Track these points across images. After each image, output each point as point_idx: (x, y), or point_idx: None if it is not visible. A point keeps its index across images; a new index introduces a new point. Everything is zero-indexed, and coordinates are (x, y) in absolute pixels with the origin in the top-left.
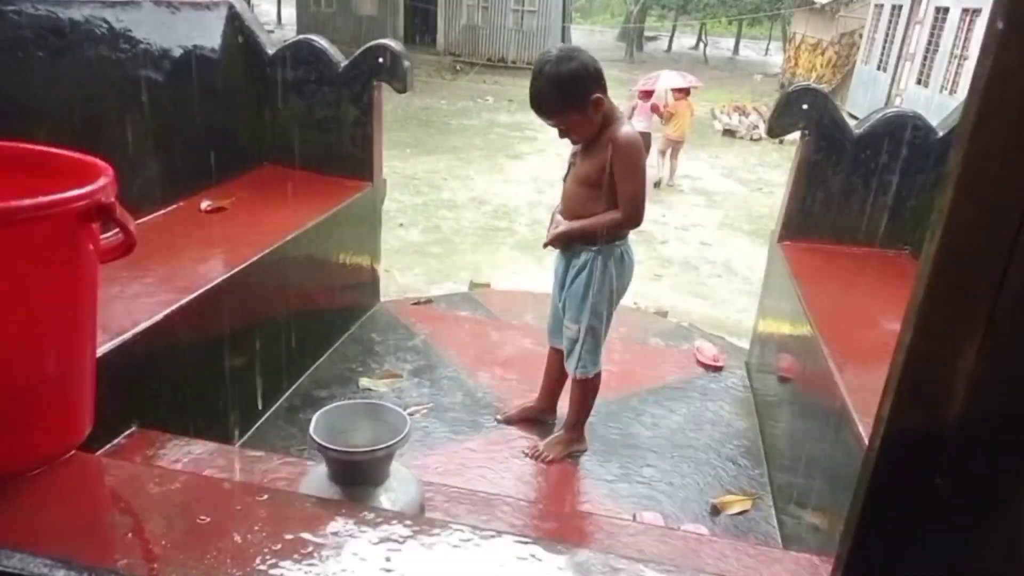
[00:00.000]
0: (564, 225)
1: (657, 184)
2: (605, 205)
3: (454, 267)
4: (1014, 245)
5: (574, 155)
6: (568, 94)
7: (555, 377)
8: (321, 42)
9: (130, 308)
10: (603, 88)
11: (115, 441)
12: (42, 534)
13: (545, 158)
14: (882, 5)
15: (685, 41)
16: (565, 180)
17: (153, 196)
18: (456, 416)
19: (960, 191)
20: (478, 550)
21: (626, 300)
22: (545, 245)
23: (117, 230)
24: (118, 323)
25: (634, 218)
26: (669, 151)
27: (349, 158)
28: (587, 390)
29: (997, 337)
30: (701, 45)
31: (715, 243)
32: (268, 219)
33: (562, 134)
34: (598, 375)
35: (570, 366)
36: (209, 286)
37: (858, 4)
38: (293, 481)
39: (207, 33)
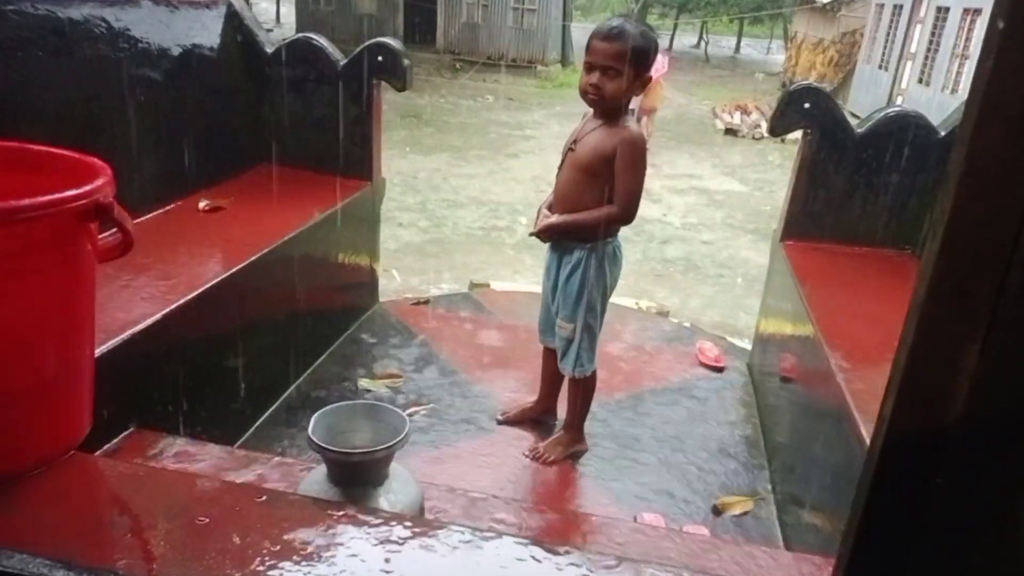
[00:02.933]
0: (555, 217)
1: None
2: (600, 198)
3: (454, 267)
4: (1016, 245)
5: (575, 141)
6: (641, 49)
7: (552, 377)
8: (320, 41)
9: (129, 308)
10: (649, 79)
11: (114, 441)
12: (42, 534)
13: (545, 157)
14: (883, 4)
15: (686, 40)
16: (560, 168)
17: (151, 196)
18: (456, 417)
19: (962, 191)
20: (478, 551)
21: (627, 300)
22: (531, 235)
23: (115, 230)
24: (117, 323)
25: (631, 214)
26: (644, 119)
27: (348, 157)
28: (585, 389)
29: (999, 337)
30: (702, 44)
31: (717, 243)
32: (266, 219)
33: (599, 75)
34: (594, 373)
35: (567, 366)
36: (207, 286)
37: (859, 3)
38: (292, 481)
39: (206, 32)
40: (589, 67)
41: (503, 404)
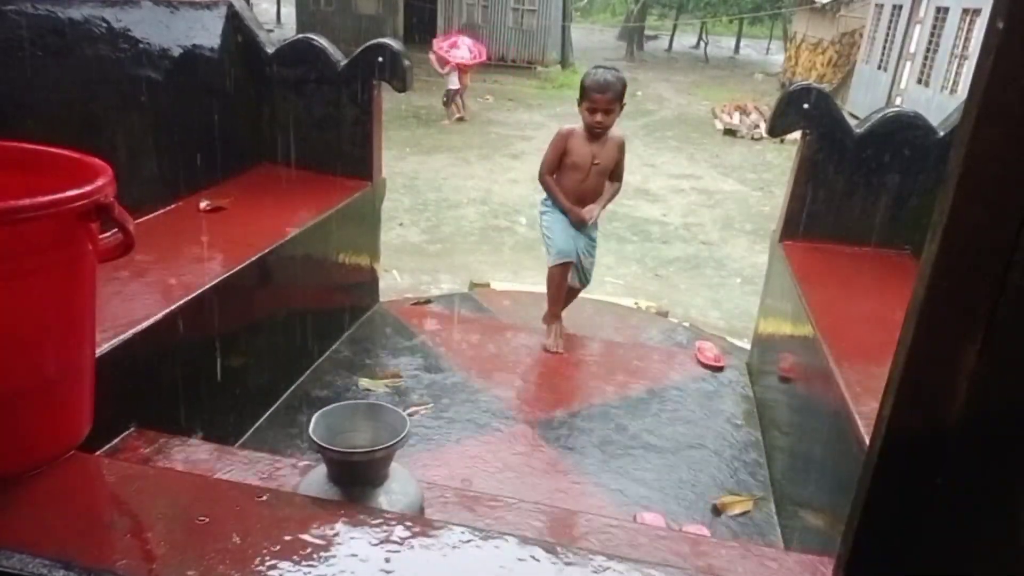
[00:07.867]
0: (597, 208)
1: (461, 119)
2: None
3: (454, 267)
4: (1015, 245)
5: (594, 156)
6: (623, 90)
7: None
8: (320, 41)
9: (129, 308)
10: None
11: (114, 441)
12: (42, 534)
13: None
14: (882, 5)
15: (686, 40)
16: (586, 177)
17: (152, 196)
18: (456, 416)
19: (961, 191)
20: (478, 550)
21: (626, 300)
22: (582, 223)
23: (116, 230)
24: (117, 323)
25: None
26: (464, 94)
27: (348, 157)
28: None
29: (997, 337)
30: (702, 44)
31: (716, 243)
32: (267, 219)
33: (604, 115)
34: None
35: (588, 281)
36: (208, 286)
37: (859, 4)
38: (293, 481)
39: (206, 32)
40: (593, 110)
41: (503, 403)
